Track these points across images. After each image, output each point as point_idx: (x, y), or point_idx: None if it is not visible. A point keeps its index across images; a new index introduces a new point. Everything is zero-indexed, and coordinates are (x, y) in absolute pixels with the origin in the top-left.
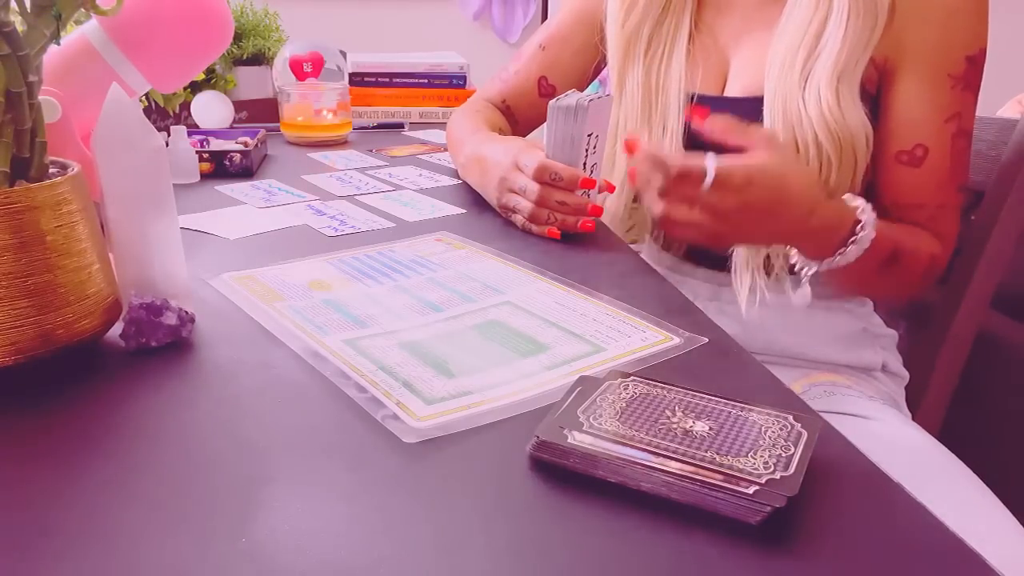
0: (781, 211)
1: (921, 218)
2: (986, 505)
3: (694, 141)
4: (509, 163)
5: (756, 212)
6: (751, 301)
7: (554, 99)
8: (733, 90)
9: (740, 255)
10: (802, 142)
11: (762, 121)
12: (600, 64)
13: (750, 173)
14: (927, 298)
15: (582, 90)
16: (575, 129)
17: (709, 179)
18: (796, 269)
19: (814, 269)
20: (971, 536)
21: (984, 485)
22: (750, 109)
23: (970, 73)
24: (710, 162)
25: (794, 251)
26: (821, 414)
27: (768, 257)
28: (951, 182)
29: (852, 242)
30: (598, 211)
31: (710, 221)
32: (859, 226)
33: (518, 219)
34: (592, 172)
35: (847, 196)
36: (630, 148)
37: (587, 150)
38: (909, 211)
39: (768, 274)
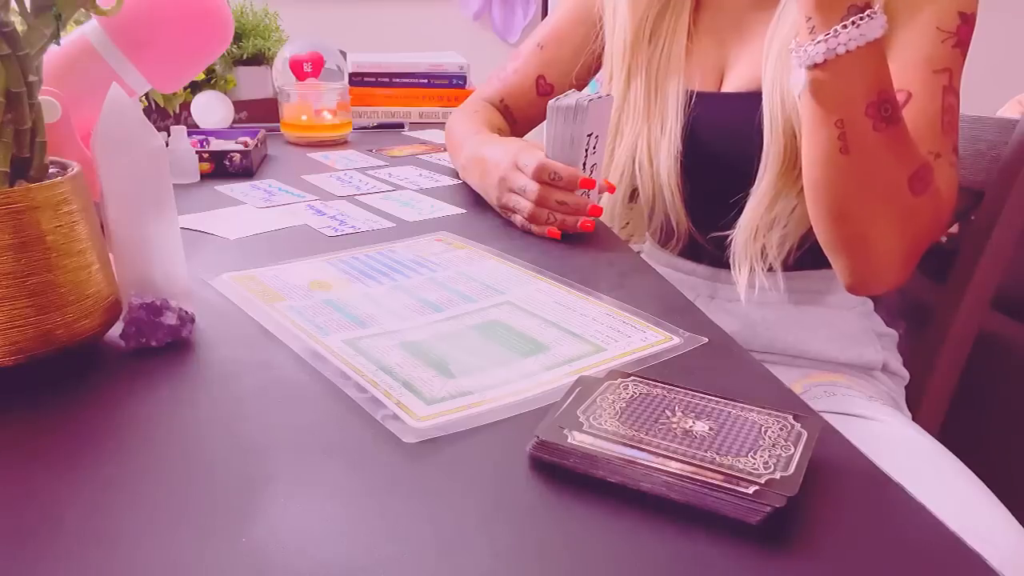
0: None
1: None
2: (986, 504)
3: (696, 133)
4: (509, 163)
5: None
6: (750, 292)
7: (554, 99)
8: (730, 86)
9: (738, 245)
10: (799, 131)
11: (760, 115)
12: (599, 62)
13: None
14: (927, 298)
15: (581, 89)
16: (575, 129)
17: None
18: (797, 48)
19: (814, 47)
20: (971, 535)
21: (984, 485)
22: (747, 104)
23: (962, 30)
24: None
25: (802, 25)
26: (821, 414)
27: (764, 247)
28: (944, 135)
29: (861, 17)
30: (598, 211)
31: None
32: (871, 11)
33: (518, 219)
34: (592, 172)
35: None
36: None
37: (587, 150)
38: None
39: (764, 260)
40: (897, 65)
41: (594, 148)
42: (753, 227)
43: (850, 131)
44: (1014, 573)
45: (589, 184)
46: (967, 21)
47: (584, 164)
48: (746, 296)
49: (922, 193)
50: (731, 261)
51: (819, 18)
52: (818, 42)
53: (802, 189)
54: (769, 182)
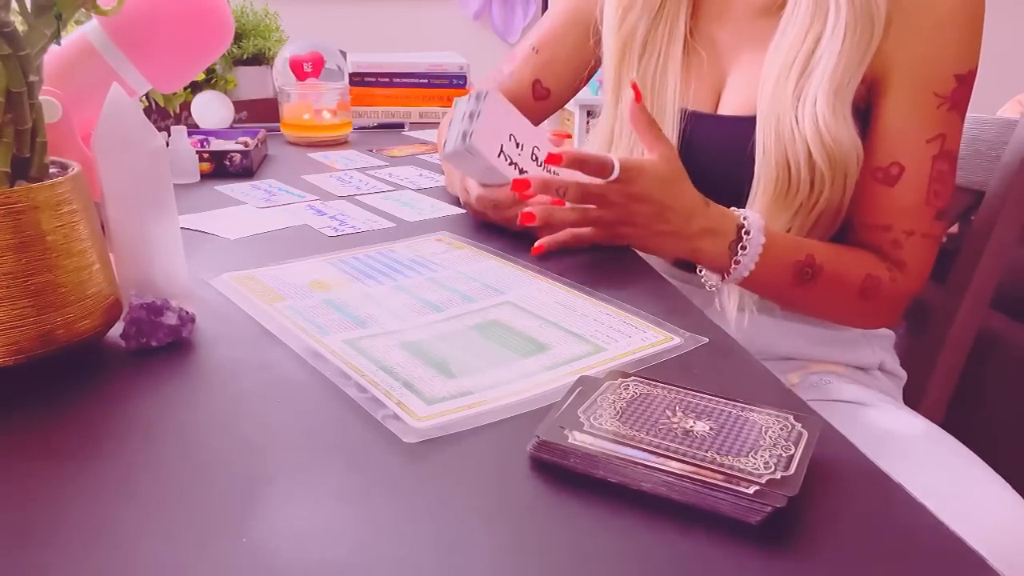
0: (667, 209)
1: (884, 242)
2: (979, 474)
3: (688, 154)
4: (461, 187)
5: (646, 205)
6: (740, 318)
7: (442, 147)
8: (727, 108)
9: None
10: (794, 160)
11: (754, 140)
12: (595, 66)
13: (643, 165)
14: (927, 298)
15: (576, 91)
16: (477, 163)
17: (616, 170)
18: (707, 287)
19: (719, 281)
20: (968, 505)
21: (976, 456)
22: (743, 128)
23: (958, 93)
24: (614, 157)
25: (703, 270)
26: (816, 402)
27: None
28: (927, 208)
29: (742, 247)
30: (522, 184)
31: (609, 212)
32: (743, 231)
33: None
34: (534, 159)
35: (732, 208)
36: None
37: (508, 160)
38: (873, 232)
39: None
40: (890, 135)
41: (518, 146)
42: None
43: (786, 299)
44: (1012, 537)
45: (524, 185)
46: (964, 81)
47: (518, 167)
48: (736, 320)
49: (874, 297)
50: (718, 287)
51: (714, 268)
52: (727, 279)
53: (796, 213)
54: (760, 209)
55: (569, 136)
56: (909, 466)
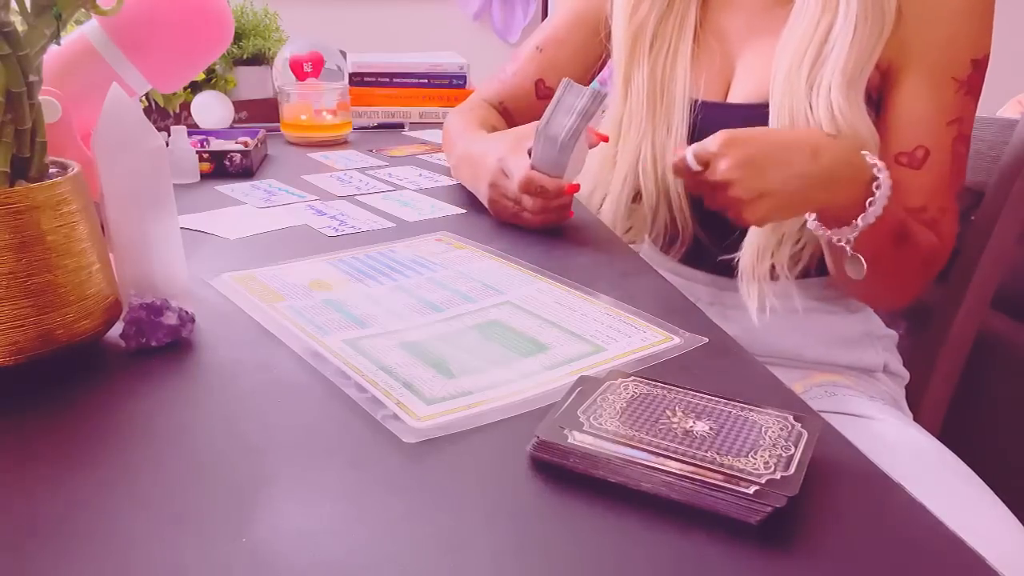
0: (781, 155)
1: (924, 221)
2: (986, 504)
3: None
4: (496, 168)
5: (756, 162)
6: (761, 313)
7: (543, 123)
8: (737, 96)
9: (746, 265)
10: None
11: (765, 127)
12: (600, 65)
13: (723, 138)
14: (927, 298)
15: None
16: (562, 156)
17: (690, 159)
18: (835, 241)
19: (850, 233)
20: (972, 535)
21: (984, 483)
22: (754, 115)
23: (973, 78)
24: (687, 151)
25: (817, 225)
26: (822, 414)
27: (773, 266)
28: (951, 187)
29: (877, 185)
30: (575, 188)
31: (724, 190)
32: (876, 169)
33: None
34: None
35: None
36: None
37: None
38: (911, 215)
39: (774, 280)
40: (912, 120)
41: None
42: (759, 245)
43: (880, 262)
44: (1014, 573)
45: (574, 190)
46: (978, 67)
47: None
48: (758, 315)
49: (933, 264)
50: (739, 282)
51: (843, 214)
52: (856, 224)
53: None
54: None
55: (606, 139)
56: (913, 489)
